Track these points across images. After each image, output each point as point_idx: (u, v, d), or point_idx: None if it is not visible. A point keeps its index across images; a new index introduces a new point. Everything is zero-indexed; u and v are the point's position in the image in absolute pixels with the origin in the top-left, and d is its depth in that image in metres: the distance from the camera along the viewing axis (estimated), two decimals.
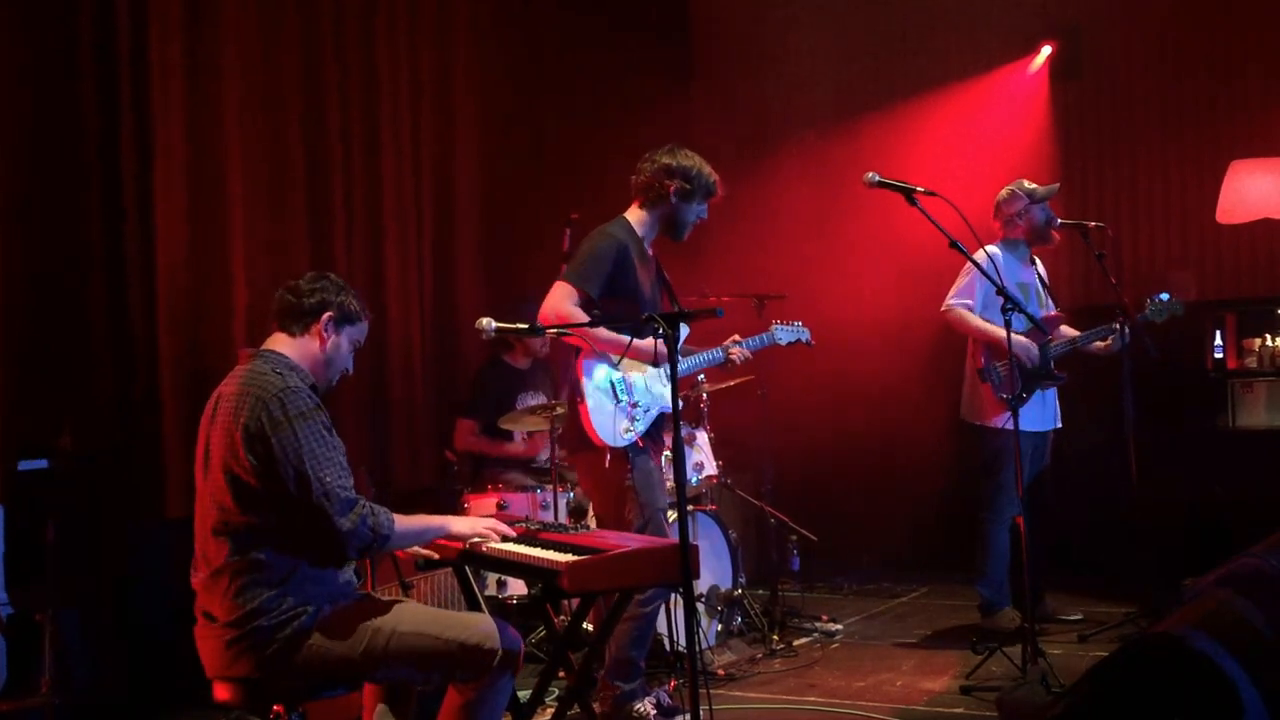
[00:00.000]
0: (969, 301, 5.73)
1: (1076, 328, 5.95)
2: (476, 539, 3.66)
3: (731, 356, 4.86)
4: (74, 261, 5.08)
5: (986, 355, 5.68)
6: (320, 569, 3.33)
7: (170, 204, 5.31)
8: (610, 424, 4.51)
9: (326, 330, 3.46)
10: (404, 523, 3.41)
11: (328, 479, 3.24)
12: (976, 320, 5.69)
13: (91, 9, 5.11)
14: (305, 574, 3.29)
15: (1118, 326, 5.64)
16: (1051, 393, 5.87)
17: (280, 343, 3.48)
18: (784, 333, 5.13)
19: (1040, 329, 5.44)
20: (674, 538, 3.57)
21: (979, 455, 5.83)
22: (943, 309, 5.82)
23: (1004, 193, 5.89)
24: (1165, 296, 5.83)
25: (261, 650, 3.23)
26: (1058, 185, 6.01)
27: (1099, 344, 5.81)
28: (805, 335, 5.22)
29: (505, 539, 3.69)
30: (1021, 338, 5.59)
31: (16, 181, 4.92)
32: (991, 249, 5.75)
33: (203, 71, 5.51)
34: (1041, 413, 5.83)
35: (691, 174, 4.63)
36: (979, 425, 5.80)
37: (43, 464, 4.64)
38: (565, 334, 4.42)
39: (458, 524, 3.68)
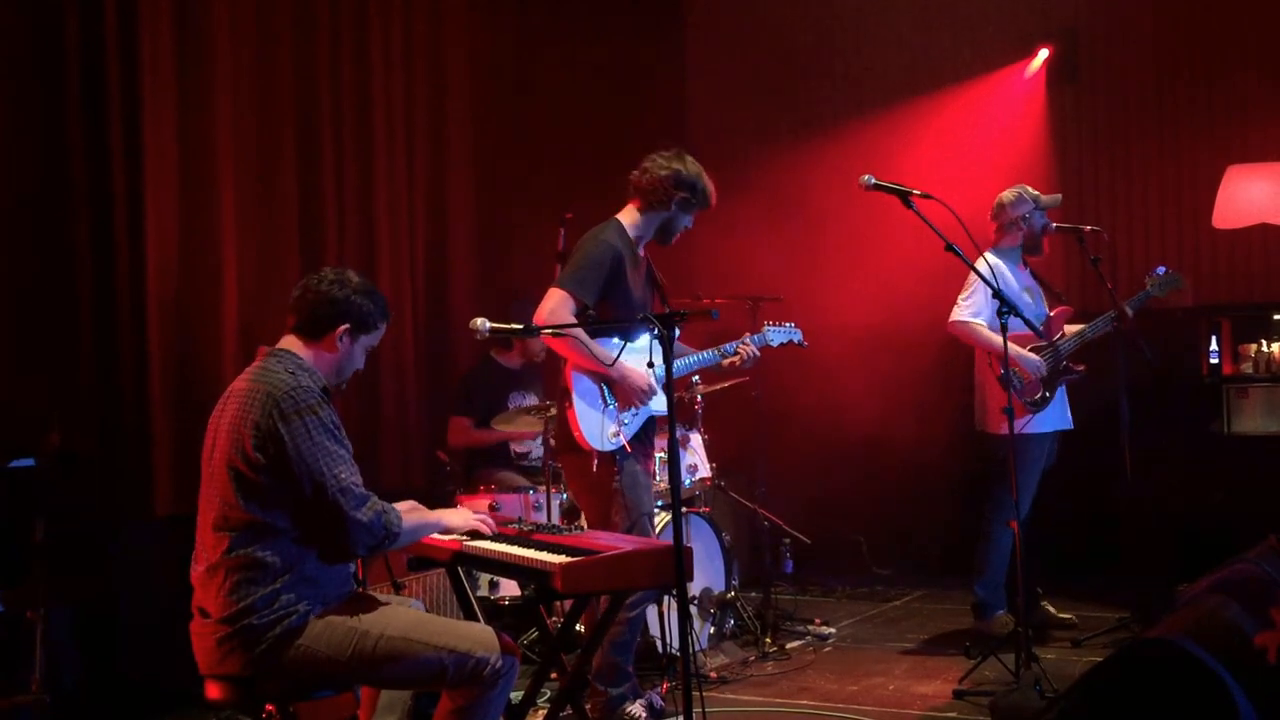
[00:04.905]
0: (980, 317, 5.67)
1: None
2: (469, 531, 3.70)
3: (740, 351, 4.84)
4: (62, 259, 5.05)
5: (1004, 364, 5.63)
6: (323, 565, 3.32)
7: (160, 202, 5.28)
8: (598, 428, 4.49)
9: (341, 340, 3.45)
10: (406, 521, 3.42)
11: (342, 475, 3.25)
12: (986, 333, 5.63)
13: (79, 5, 5.08)
14: (302, 574, 3.27)
15: (1115, 315, 5.62)
16: (1062, 392, 5.84)
17: (294, 344, 3.47)
18: (776, 334, 5.11)
19: (1037, 333, 5.42)
20: (659, 541, 3.55)
21: (991, 459, 5.79)
22: (951, 322, 5.76)
23: (1009, 194, 5.83)
24: (1164, 270, 5.81)
25: (250, 649, 3.21)
26: (1060, 196, 5.97)
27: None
28: (797, 336, 5.20)
29: (498, 538, 3.69)
30: (1031, 355, 5.59)
31: (3, 180, 4.90)
32: (991, 259, 5.73)
33: (193, 68, 5.48)
34: (1061, 412, 5.83)
35: (698, 187, 4.64)
36: (993, 434, 5.76)
37: (31, 462, 4.61)
38: (558, 336, 4.40)
39: (450, 516, 3.71)
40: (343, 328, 3.44)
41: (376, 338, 3.56)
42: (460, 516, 3.73)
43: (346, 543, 3.31)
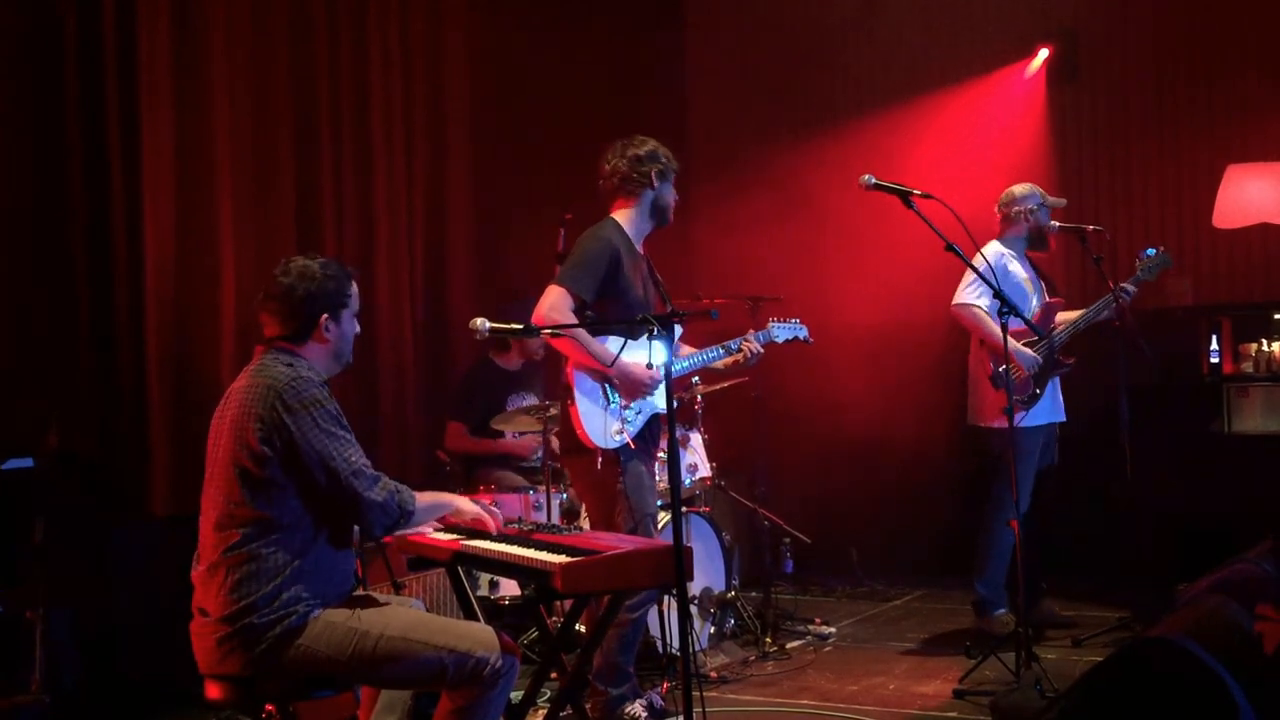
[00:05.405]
0: (984, 301, 5.65)
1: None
2: (471, 528, 3.73)
3: (744, 347, 4.85)
4: (60, 259, 5.05)
5: (995, 361, 5.64)
6: (324, 564, 3.32)
7: (157, 202, 5.28)
8: (601, 426, 4.49)
9: (328, 330, 3.45)
10: (420, 500, 3.44)
11: (353, 458, 3.28)
12: (989, 323, 5.61)
13: (77, 4, 5.08)
14: (302, 572, 3.27)
15: (1112, 297, 5.63)
16: (1055, 385, 5.85)
17: (287, 347, 3.45)
18: (781, 330, 5.12)
19: (1036, 332, 5.43)
20: (659, 541, 3.55)
21: (986, 453, 5.79)
22: (956, 304, 5.75)
23: (1021, 188, 5.88)
24: (1153, 251, 5.84)
25: (250, 649, 3.21)
26: (1064, 200, 6.02)
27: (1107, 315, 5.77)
28: (803, 332, 5.20)
29: (498, 538, 3.69)
30: (1027, 350, 5.60)
31: (1, 180, 4.90)
32: (994, 248, 5.73)
33: (190, 69, 5.47)
34: (1052, 405, 5.84)
35: (660, 155, 4.71)
36: (986, 428, 5.77)
37: (29, 463, 4.61)
38: (558, 336, 4.40)
39: (464, 502, 3.74)
40: (323, 318, 3.44)
41: (356, 300, 3.54)
42: (470, 505, 3.75)
43: (363, 524, 3.34)
